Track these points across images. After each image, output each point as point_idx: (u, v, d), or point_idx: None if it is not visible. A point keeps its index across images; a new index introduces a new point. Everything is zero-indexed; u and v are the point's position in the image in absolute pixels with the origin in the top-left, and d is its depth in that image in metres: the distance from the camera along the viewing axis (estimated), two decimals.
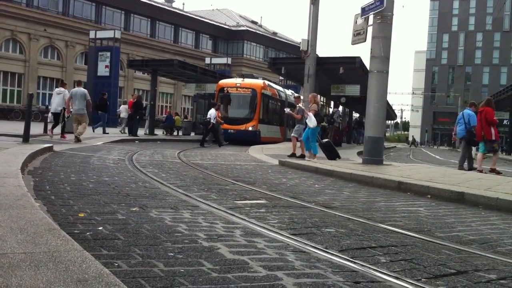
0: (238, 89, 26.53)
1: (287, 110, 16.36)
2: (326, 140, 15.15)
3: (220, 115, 23.45)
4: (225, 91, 26.68)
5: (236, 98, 26.61)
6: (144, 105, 26.42)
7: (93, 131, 22.62)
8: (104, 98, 24.92)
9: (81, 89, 17.04)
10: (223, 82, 27.86)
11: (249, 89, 26.35)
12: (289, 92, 33.87)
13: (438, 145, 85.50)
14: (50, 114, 18.23)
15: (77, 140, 15.64)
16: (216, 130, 21.81)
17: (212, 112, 21.72)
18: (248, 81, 27.32)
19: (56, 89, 18.17)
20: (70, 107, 16.72)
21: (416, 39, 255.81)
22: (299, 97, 16.64)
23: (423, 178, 9.47)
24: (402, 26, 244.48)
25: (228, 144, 22.51)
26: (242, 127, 25.37)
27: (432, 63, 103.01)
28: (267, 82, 28.44)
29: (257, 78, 30.18)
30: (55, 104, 17.19)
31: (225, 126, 24.88)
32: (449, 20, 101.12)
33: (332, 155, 14.06)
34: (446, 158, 29.77)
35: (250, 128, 25.52)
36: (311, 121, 13.74)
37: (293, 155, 14.81)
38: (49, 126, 17.79)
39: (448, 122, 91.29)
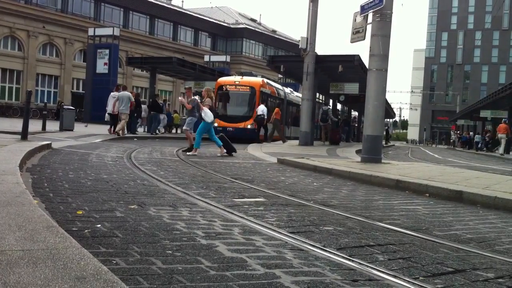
0: (237, 87, 26.56)
1: (180, 98, 15.81)
2: (220, 134, 14.93)
3: (280, 112, 24.49)
4: (224, 89, 26.74)
5: (235, 96, 26.64)
6: (161, 104, 27.22)
7: (152, 133, 23.16)
8: (156, 100, 25.24)
9: (126, 93, 20.32)
10: (222, 80, 27.86)
11: (248, 87, 26.39)
12: (288, 90, 33.78)
13: (437, 144, 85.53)
14: (107, 115, 21.68)
15: (118, 135, 19.23)
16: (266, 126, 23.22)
17: (264, 108, 22.89)
18: (247, 79, 27.32)
19: (112, 93, 21.38)
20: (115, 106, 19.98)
21: (415, 38, 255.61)
22: (190, 88, 15.84)
23: (422, 176, 9.48)
24: (401, 24, 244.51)
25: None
26: (241, 125, 25.44)
27: (431, 62, 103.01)
28: (266, 80, 28.40)
29: (256, 76, 30.24)
30: (112, 106, 20.48)
31: (224, 124, 25.16)
32: (448, 18, 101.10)
33: (229, 149, 14.02)
34: (444, 157, 29.79)
35: (249, 126, 25.51)
36: (207, 116, 13.63)
37: (189, 149, 14.24)
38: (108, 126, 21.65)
39: (447, 120, 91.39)
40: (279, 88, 31.49)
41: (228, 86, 26.76)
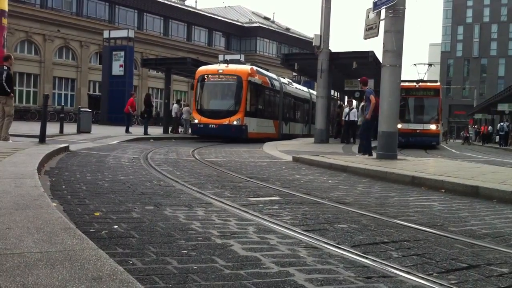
0: (221, 76, 23.13)
1: None
2: None
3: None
4: (206, 79, 23.36)
5: (218, 87, 23.53)
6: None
7: None
8: None
9: (187, 108, 26.07)
10: (203, 68, 24.31)
11: (234, 76, 22.91)
12: (285, 80, 30.65)
13: (454, 139, 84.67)
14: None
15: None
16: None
17: (355, 112, 22.51)
18: (232, 67, 23.91)
19: (175, 105, 27.96)
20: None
21: (431, 32, 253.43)
22: None
23: (437, 172, 9.44)
24: (416, 19, 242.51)
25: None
26: (225, 121, 22.24)
27: (447, 56, 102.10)
28: (255, 68, 24.83)
29: (244, 64, 26.42)
30: (174, 111, 26.96)
31: (206, 120, 22.44)
32: (464, 12, 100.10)
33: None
34: (461, 152, 29.55)
35: (235, 122, 22.22)
36: None
37: None
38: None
39: (464, 115, 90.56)
40: (274, 77, 27.93)
41: (210, 75, 23.26)
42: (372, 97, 13.66)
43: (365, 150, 14.20)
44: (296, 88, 32.05)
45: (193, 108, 23.67)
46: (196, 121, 22.94)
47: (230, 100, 23.07)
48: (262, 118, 24.68)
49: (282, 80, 29.37)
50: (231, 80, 22.91)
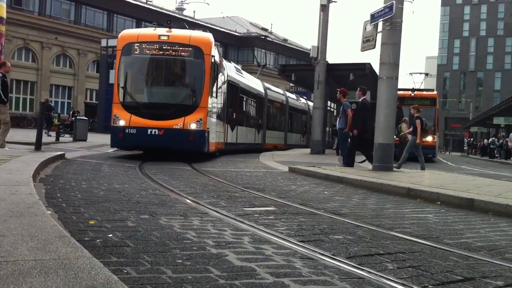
0: (165, 46, 13.98)
1: None
2: None
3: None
4: (137, 51, 14.06)
5: (161, 64, 14.46)
6: None
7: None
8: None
9: None
10: (132, 32, 15.16)
11: (189, 47, 13.95)
12: (231, 65, 20.45)
13: (450, 151, 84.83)
14: None
15: None
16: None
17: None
18: (183, 32, 14.66)
19: None
20: None
21: (427, 45, 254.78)
22: None
23: (433, 184, 9.45)
24: (412, 32, 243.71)
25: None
26: (176, 122, 13.51)
27: (444, 69, 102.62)
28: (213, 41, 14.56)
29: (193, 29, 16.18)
30: None
31: (142, 122, 13.49)
32: (460, 25, 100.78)
33: None
34: (457, 164, 29.60)
35: (193, 126, 13.55)
36: None
37: None
38: None
39: (460, 128, 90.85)
40: (223, 60, 17.98)
41: (145, 45, 14.08)
42: (349, 111, 14.28)
43: (346, 162, 14.11)
44: (246, 79, 22.53)
45: (115, 100, 14.36)
46: (121, 123, 13.76)
47: (184, 87, 14.59)
48: (218, 119, 16.16)
49: (227, 63, 19.14)
50: (184, 53, 14.07)
